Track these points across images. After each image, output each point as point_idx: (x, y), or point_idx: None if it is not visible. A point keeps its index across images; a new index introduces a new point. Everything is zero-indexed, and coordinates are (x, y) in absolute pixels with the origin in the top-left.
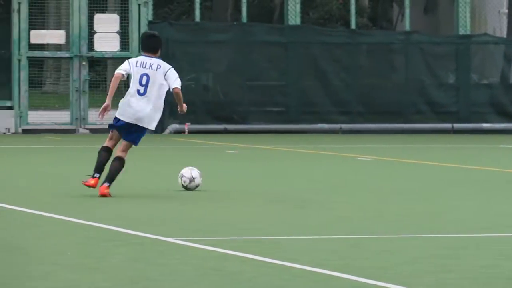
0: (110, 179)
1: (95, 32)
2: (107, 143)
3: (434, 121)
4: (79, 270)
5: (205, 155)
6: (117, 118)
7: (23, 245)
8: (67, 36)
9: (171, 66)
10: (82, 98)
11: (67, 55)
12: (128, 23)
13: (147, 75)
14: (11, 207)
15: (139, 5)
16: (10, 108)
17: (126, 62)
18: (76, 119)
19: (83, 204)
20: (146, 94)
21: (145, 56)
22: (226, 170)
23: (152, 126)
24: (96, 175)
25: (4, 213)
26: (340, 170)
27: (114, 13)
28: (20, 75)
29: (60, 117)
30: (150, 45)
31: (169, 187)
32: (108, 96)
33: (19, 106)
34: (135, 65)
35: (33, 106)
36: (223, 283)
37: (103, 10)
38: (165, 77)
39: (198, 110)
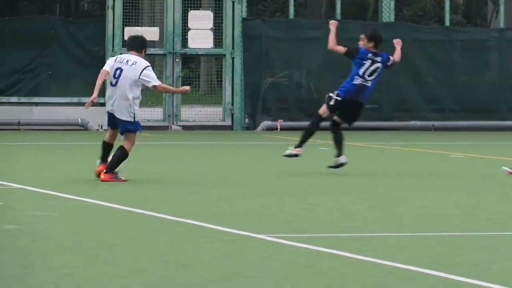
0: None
1: (189, 29)
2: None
3: None
4: (171, 267)
5: None
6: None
7: (115, 242)
8: (161, 33)
9: (147, 65)
10: (175, 95)
11: (160, 52)
12: (222, 20)
13: (120, 69)
14: (106, 204)
15: (233, 2)
16: (103, 104)
17: (110, 58)
18: (169, 116)
19: (175, 201)
20: (116, 85)
21: (127, 54)
22: (319, 167)
23: (122, 117)
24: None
25: (100, 210)
26: (433, 167)
27: (208, 10)
28: None
29: (152, 114)
30: (131, 44)
31: (262, 184)
32: (94, 89)
33: None
34: (115, 61)
35: None
36: (315, 280)
37: (197, 7)
38: (141, 75)
39: (291, 107)
